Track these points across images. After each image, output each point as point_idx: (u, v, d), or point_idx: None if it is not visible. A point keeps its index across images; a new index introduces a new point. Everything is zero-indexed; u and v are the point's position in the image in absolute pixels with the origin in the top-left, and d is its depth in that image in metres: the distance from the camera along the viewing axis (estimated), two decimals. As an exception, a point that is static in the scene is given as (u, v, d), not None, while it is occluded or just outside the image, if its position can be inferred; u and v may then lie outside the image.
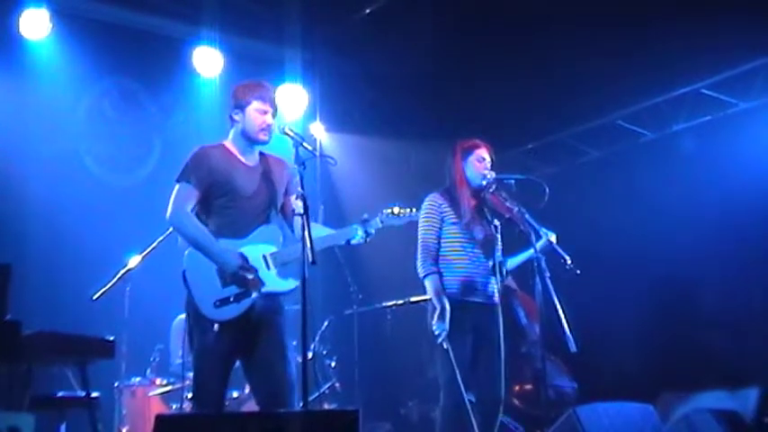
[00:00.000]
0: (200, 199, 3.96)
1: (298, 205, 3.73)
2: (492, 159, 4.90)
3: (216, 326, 3.80)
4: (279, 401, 3.78)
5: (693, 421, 4.72)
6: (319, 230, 4.09)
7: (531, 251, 4.67)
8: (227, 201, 3.96)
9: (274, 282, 3.90)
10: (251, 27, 7.58)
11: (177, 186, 3.96)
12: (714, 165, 7.23)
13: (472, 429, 4.51)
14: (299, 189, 3.75)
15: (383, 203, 4.10)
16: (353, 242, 4.04)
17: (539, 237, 4.71)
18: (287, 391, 3.82)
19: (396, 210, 4.09)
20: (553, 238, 4.74)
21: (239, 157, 4.07)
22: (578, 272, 4.55)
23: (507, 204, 4.78)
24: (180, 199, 3.93)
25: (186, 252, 3.92)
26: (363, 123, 8.33)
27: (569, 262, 4.60)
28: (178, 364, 6.13)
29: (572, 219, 7.33)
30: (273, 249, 3.95)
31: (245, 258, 3.88)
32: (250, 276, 3.85)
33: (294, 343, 4.05)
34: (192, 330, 3.91)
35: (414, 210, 4.16)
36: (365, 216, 4.06)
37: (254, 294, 3.85)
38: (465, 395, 4.55)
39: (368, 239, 4.03)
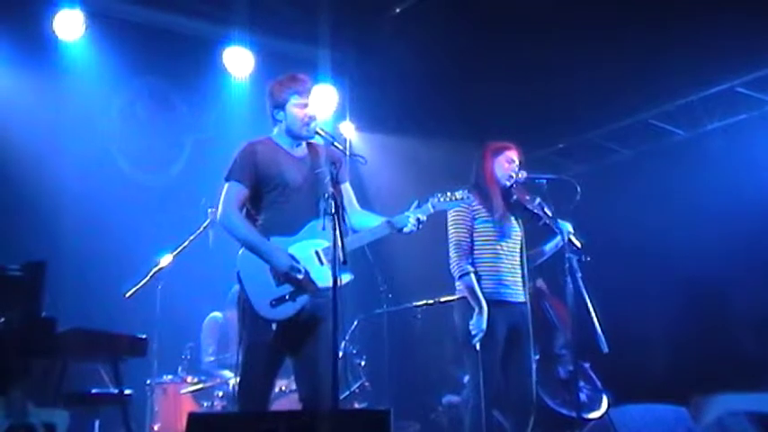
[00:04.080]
0: (250, 196, 3.93)
1: (330, 204, 3.68)
2: (521, 162, 4.89)
3: (274, 325, 3.79)
4: (322, 398, 3.74)
5: (727, 424, 4.64)
6: (372, 219, 4.09)
7: (559, 237, 4.87)
8: (277, 194, 3.93)
9: (328, 277, 3.84)
10: (281, 27, 7.60)
11: (226, 186, 3.93)
12: (748, 164, 7.13)
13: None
14: (330, 189, 3.74)
15: (412, 202, 4.07)
16: (406, 230, 3.96)
17: (558, 228, 4.85)
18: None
19: (448, 195, 4.06)
20: (570, 227, 4.89)
21: (286, 149, 4.04)
22: (588, 259, 4.85)
23: (528, 197, 4.89)
24: (229, 199, 3.90)
25: (240, 252, 3.90)
26: (393, 122, 8.33)
27: (581, 247, 4.86)
28: (208, 362, 6.20)
29: (603, 218, 7.27)
30: (326, 244, 3.89)
31: (294, 259, 3.84)
32: (300, 277, 3.83)
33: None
34: (242, 327, 3.88)
35: (464, 193, 4.12)
36: (416, 202, 4.03)
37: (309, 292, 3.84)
38: (494, 397, 4.53)
39: (420, 226, 3.96)
